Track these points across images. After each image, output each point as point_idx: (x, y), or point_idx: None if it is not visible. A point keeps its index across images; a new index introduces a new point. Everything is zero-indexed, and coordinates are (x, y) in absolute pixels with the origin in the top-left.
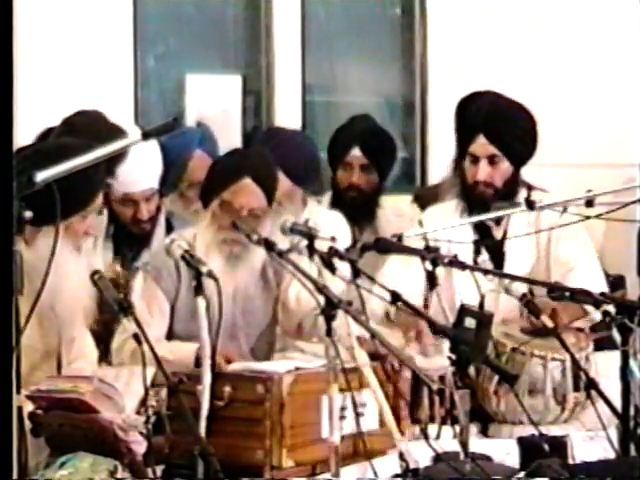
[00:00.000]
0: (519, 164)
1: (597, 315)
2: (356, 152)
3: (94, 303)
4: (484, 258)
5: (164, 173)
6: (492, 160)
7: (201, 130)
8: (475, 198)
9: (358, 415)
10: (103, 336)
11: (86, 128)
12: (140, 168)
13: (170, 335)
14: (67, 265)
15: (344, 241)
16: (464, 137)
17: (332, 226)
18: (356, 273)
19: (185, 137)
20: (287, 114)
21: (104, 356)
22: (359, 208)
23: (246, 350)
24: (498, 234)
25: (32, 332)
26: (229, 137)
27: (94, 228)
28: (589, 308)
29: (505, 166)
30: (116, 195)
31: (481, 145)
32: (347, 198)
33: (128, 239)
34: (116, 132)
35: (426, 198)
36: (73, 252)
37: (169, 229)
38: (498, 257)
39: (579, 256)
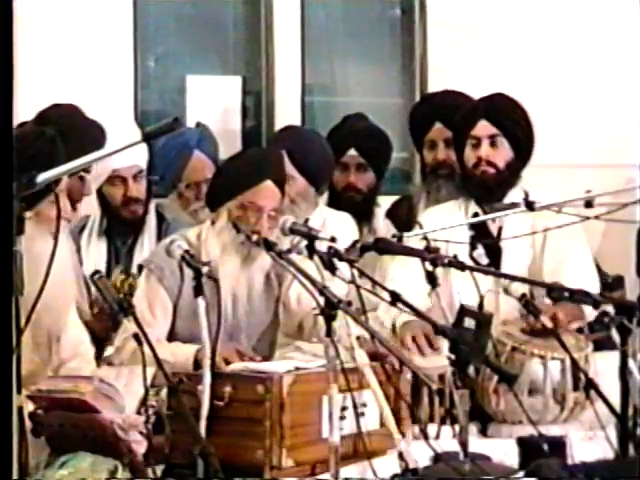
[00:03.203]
0: (519, 151)
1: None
2: (352, 152)
3: (80, 296)
4: (480, 253)
5: (163, 173)
6: (493, 141)
7: (200, 130)
8: (476, 181)
9: (358, 415)
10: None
11: (60, 120)
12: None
13: (172, 334)
14: (45, 255)
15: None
16: (466, 124)
17: (342, 227)
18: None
19: (183, 137)
20: (287, 114)
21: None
22: (357, 208)
23: (248, 347)
24: (494, 230)
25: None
26: (229, 138)
27: (66, 211)
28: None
29: (506, 150)
30: (103, 175)
31: (483, 127)
32: (345, 198)
33: (121, 229)
34: (91, 126)
35: (400, 211)
36: (49, 240)
37: (161, 220)
38: (494, 253)
39: (570, 251)
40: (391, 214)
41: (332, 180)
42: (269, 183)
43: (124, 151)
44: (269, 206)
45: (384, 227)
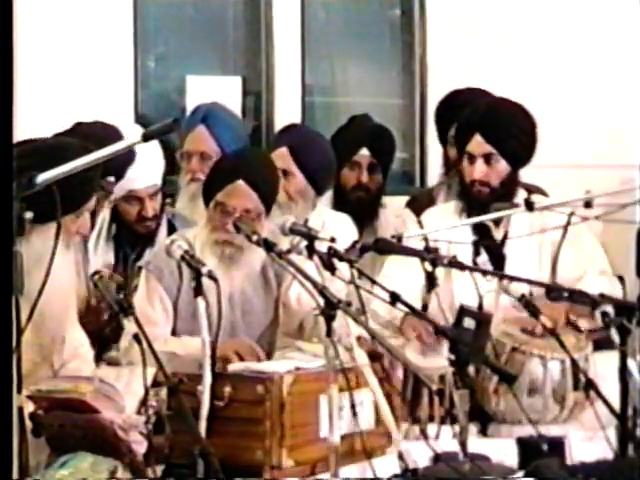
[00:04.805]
0: (516, 164)
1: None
2: (364, 152)
3: (83, 302)
4: (484, 259)
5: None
6: (488, 159)
7: (208, 107)
8: (472, 197)
9: (355, 414)
10: (100, 337)
11: (96, 136)
12: (143, 165)
13: (173, 334)
14: (56, 263)
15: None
16: (462, 136)
17: (341, 228)
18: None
19: (195, 110)
20: (287, 115)
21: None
22: (365, 208)
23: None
24: (498, 235)
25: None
26: None
27: (85, 228)
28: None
29: (502, 166)
30: (120, 193)
31: (477, 144)
32: (353, 198)
33: (132, 239)
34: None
35: (420, 202)
36: (63, 250)
37: (172, 231)
38: (498, 259)
39: (589, 267)
40: (411, 205)
41: (339, 179)
42: (240, 183)
43: (143, 171)
44: (241, 207)
45: (404, 215)
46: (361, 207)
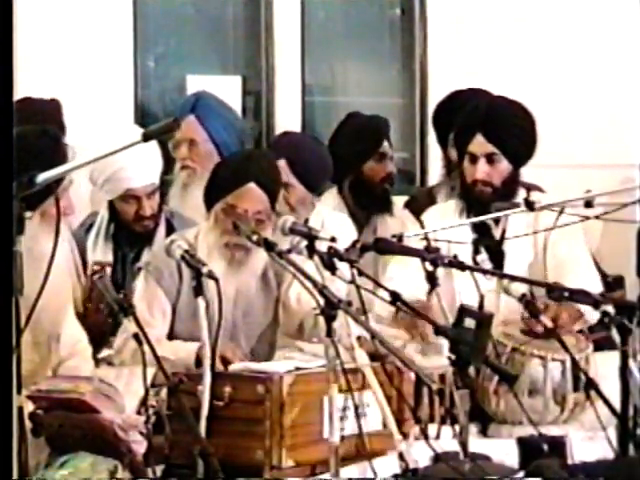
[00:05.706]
0: (518, 163)
1: (594, 315)
2: (386, 143)
3: (80, 294)
4: (483, 257)
5: None
6: (490, 159)
7: (196, 97)
8: (474, 197)
9: (359, 416)
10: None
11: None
12: (140, 163)
13: (171, 335)
14: (48, 254)
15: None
16: (463, 137)
17: (340, 227)
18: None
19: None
20: (287, 115)
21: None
22: (388, 198)
23: (246, 350)
24: (497, 233)
25: None
26: None
27: (70, 208)
28: (585, 309)
29: (504, 165)
30: (117, 192)
31: (479, 144)
32: (380, 190)
33: (130, 238)
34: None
35: (420, 202)
36: (53, 237)
37: (170, 231)
38: (497, 256)
39: (573, 256)
40: (411, 204)
41: (362, 174)
42: (252, 186)
43: (140, 170)
44: (253, 209)
45: (404, 216)
46: (386, 198)
